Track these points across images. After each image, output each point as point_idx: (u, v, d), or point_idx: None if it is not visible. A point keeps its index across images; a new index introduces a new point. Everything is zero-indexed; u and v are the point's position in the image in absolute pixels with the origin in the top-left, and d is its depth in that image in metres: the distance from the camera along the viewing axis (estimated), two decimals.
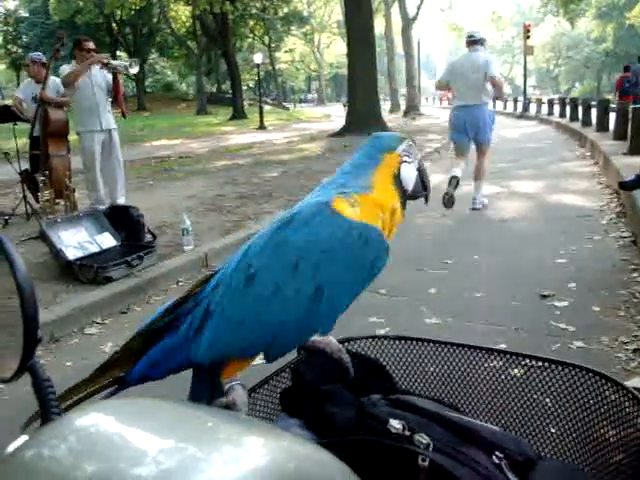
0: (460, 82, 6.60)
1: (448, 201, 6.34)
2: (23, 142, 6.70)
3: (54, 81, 6.65)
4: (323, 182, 1.11)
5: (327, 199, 0.98)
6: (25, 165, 6.60)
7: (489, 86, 6.45)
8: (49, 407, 0.65)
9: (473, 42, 6.64)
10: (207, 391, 0.95)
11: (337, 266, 0.93)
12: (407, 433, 0.83)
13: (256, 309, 0.89)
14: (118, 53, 34.46)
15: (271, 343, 0.91)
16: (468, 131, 6.65)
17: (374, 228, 0.98)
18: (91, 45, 6.12)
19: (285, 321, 0.90)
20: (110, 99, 6.20)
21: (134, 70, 6.43)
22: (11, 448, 0.47)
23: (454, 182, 6.49)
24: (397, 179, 1.09)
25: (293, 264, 0.90)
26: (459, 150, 7.02)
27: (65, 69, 6.04)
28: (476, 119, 6.54)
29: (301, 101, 66.02)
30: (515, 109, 26.48)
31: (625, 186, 5.16)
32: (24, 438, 0.46)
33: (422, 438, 0.82)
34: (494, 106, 8.03)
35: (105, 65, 5.96)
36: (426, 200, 1.18)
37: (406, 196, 1.11)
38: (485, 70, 6.36)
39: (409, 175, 1.10)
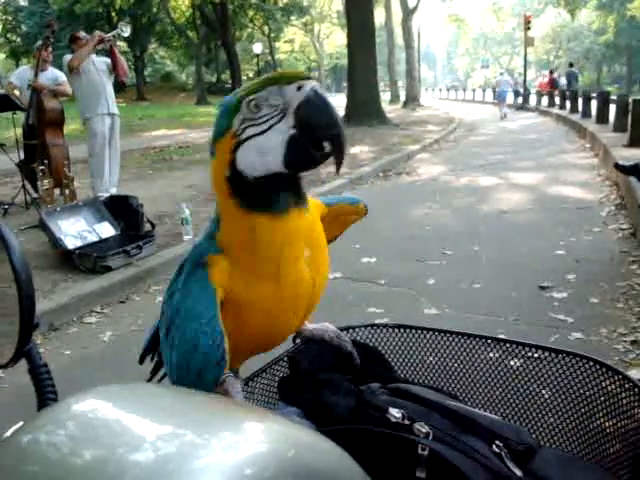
0: None
1: None
2: (21, 131, 6.69)
3: (52, 71, 6.64)
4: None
5: (203, 270, 0.84)
6: (23, 155, 6.58)
7: None
8: (45, 392, 0.64)
9: None
10: None
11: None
12: (407, 422, 0.83)
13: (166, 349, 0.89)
14: (118, 43, 34.25)
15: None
16: None
17: (208, 333, 0.81)
18: (84, 34, 6.26)
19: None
20: (113, 75, 6.28)
21: (127, 33, 6.53)
22: (7, 434, 0.46)
23: None
24: (235, 180, 0.78)
25: (168, 322, 0.88)
26: None
27: (68, 57, 6.06)
28: None
29: None
30: (515, 100, 26.39)
31: (622, 169, 5.13)
32: (20, 424, 0.45)
33: (422, 427, 0.82)
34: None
35: (101, 41, 6.05)
36: (335, 160, 0.77)
37: (277, 183, 0.78)
38: None
39: (261, 153, 0.76)
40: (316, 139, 0.76)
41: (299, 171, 0.80)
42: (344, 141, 0.76)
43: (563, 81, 22.50)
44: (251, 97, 0.76)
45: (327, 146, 0.76)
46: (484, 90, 36.72)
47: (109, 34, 6.30)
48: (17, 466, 0.38)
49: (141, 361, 1.11)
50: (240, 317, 0.87)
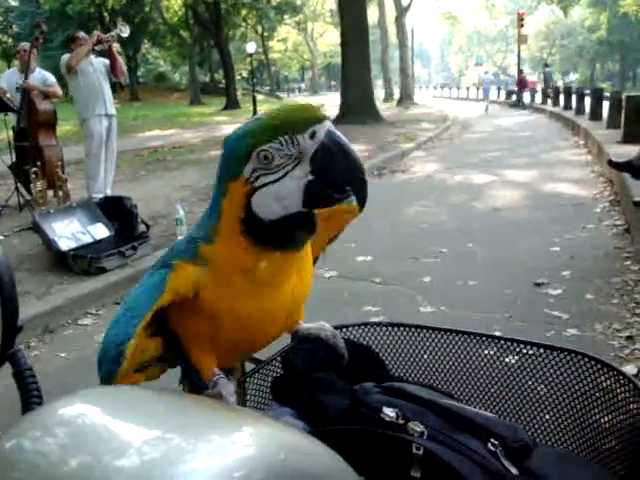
0: None
1: None
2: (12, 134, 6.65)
3: (40, 72, 6.61)
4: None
5: (163, 276, 0.83)
6: (14, 157, 6.55)
7: None
8: (30, 397, 0.63)
9: None
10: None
11: None
12: (401, 421, 0.82)
13: None
14: (104, 35, 34.09)
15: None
16: None
17: (121, 328, 0.81)
18: (83, 34, 6.21)
19: None
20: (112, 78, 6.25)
21: (125, 33, 6.48)
22: None
23: None
24: (250, 221, 0.77)
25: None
26: None
27: (66, 57, 6.03)
28: None
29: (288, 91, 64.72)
30: (509, 98, 26.57)
31: (615, 166, 5.14)
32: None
33: (416, 426, 0.81)
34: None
35: (99, 41, 6.02)
36: (358, 201, 0.78)
37: (293, 222, 0.77)
38: None
39: (277, 200, 0.75)
40: (335, 183, 0.75)
41: (318, 208, 0.79)
42: (365, 182, 0.77)
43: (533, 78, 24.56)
44: (262, 149, 0.74)
45: (348, 189, 0.76)
46: (478, 88, 36.94)
47: (108, 34, 6.27)
48: (0, 472, 0.38)
49: None
50: (215, 322, 0.87)
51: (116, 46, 6.48)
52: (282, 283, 0.86)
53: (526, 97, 24.35)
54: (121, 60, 6.37)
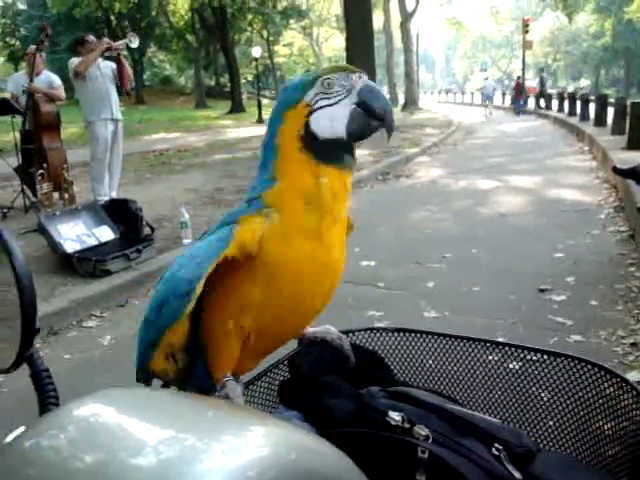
0: None
1: None
2: (19, 136, 6.69)
3: (47, 74, 6.64)
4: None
5: (229, 231, 0.89)
6: (21, 159, 6.59)
7: None
8: (47, 397, 0.64)
9: None
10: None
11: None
12: (406, 425, 0.83)
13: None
14: (115, 43, 34.18)
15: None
16: None
17: (191, 269, 0.86)
18: (93, 38, 6.22)
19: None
20: (118, 83, 6.25)
21: (135, 44, 6.49)
22: (9, 439, 0.46)
23: None
24: (307, 138, 0.91)
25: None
26: None
27: (74, 61, 6.04)
28: None
29: None
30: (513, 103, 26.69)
31: (620, 172, 5.13)
32: (22, 429, 0.46)
33: (421, 430, 0.82)
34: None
35: (109, 49, 6.03)
36: (387, 132, 0.93)
37: (345, 145, 0.93)
38: None
39: (331, 119, 0.91)
40: (371, 113, 0.92)
41: (356, 140, 0.94)
42: (393, 117, 0.94)
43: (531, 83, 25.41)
44: (327, 76, 0.92)
45: (380, 118, 0.92)
46: (483, 95, 37.10)
47: (118, 42, 6.29)
48: (20, 471, 0.39)
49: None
50: (271, 280, 0.90)
51: (124, 52, 6.49)
52: (333, 223, 0.94)
53: (531, 103, 24.51)
54: (129, 69, 6.39)
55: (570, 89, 33.51)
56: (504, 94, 30.59)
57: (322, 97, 0.92)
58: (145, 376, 0.96)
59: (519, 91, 24.12)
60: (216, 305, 0.94)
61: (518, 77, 25.90)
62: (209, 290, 0.90)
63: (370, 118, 0.92)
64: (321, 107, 0.91)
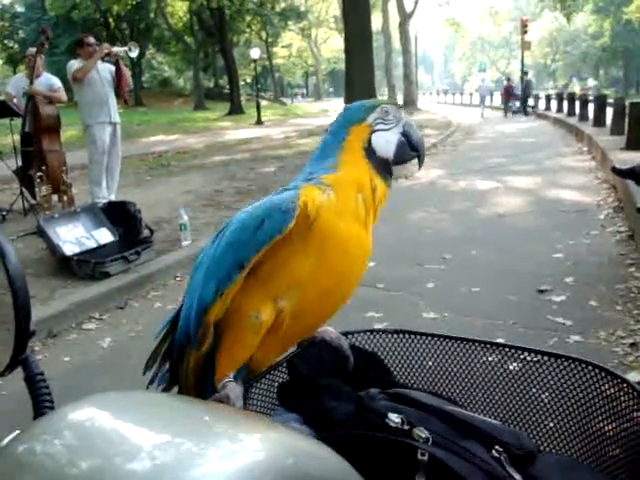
0: None
1: None
2: (18, 138, 6.68)
3: (47, 77, 6.64)
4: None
5: (294, 191, 0.98)
6: (20, 161, 6.59)
7: None
8: (42, 401, 0.64)
9: None
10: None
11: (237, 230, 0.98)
12: (406, 427, 0.83)
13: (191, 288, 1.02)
14: (114, 49, 34.17)
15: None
16: None
17: (287, 198, 0.96)
18: (92, 40, 6.18)
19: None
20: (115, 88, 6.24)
21: (134, 54, 6.48)
22: (3, 442, 0.46)
23: None
24: (369, 151, 1.06)
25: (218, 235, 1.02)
26: None
27: (73, 64, 6.02)
28: None
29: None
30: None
31: (619, 172, 5.13)
32: (17, 433, 0.45)
33: (421, 432, 0.81)
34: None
35: (108, 54, 6.02)
36: (419, 162, 1.12)
37: (388, 165, 1.08)
38: None
39: (386, 142, 1.07)
40: (411, 144, 1.09)
41: (397, 164, 1.09)
42: (424, 150, 1.13)
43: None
44: (385, 106, 1.08)
45: (416, 149, 1.10)
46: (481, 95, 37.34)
47: (117, 49, 6.27)
48: (13, 475, 0.38)
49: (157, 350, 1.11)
50: (322, 253, 0.98)
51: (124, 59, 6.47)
52: (373, 221, 1.07)
53: (531, 102, 24.68)
54: (127, 75, 6.37)
55: (577, 89, 33.84)
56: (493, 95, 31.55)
57: (380, 122, 1.07)
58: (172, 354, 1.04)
59: (510, 93, 24.72)
60: (253, 291, 0.96)
61: (507, 79, 26.81)
62: (247, 277, 0.94)
63: (409, 148, 1.08)
64: (379, 130, 1.07)
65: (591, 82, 24.75)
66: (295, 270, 0.96)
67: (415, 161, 1.13)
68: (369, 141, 1.06)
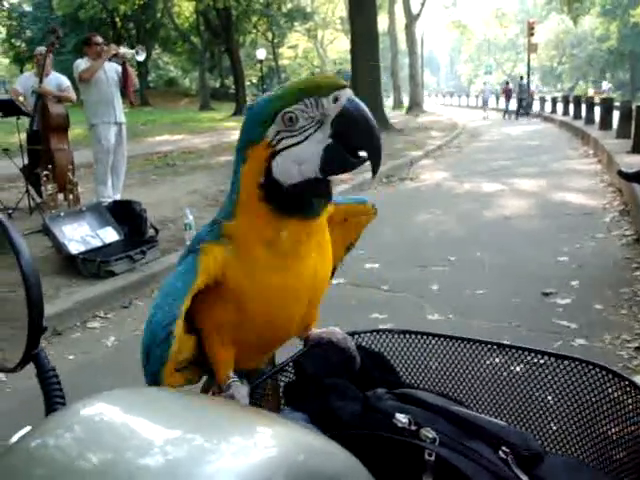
0: None
1: None
2: (25, 137, 6.70)
3: (55, 76, 6.66)
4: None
5: (193, 257, 0.87)
6: (27, 160, 6.61)
7: None
8: (54, 397, 0.64)
9: None
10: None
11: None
12: (413, 427, 0.83)
13: None
14: (122, 50, 34.28)
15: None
16: None
17: (165, 311, 0.83)
18: (100, 39, 6.19)
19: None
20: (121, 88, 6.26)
21: (141, 57, 6.48)
22: (15, 438, 0.46)
23: None
24: (268, 188, 0.79)
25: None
26: None
27: (80, 64, 6.03)
28: None
29: None
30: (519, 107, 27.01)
31: (625, 176, 5.12)
32: (28, 428, 0.45)
33: (428, 432, 0.81)
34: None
35: (115, 55, 6.03)
36: (372, 167, 0.80)
37: (313, 187, 0.79)
38: None
39: (301, 161, 0.77)
40: (353, 147, 0.78)
41: (333, 175, 0.82)
42: (380, 149, 0.80)
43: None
44: (287, 110, 0.77)
45: (363, 154, 0.79)
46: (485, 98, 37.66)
47: (124, 51, 6.28)
48: (26, 470, 0.38)
49: None
50: (241, 305, 0.88)
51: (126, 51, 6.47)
52: (303, 257, 0.86)
53: (536, 105, 24.90)
54: (134, 77, 6.38)
55: (590, 92, 34.11)
56: (498, 98, 32.46)
57: (285, 136, 0.77)
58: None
59: (509, 96, 25.43)
60: (199, 319, 0.94)
61: (507, 82, 27.97)
62: (194, 305, 0.89)
63: (347, 153, 0.78)
64: (285, 147, 0.77)
65: (605, 85, 25.03)
66: (219, 318, 0.91)
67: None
68: (268, 171, 0.79)
